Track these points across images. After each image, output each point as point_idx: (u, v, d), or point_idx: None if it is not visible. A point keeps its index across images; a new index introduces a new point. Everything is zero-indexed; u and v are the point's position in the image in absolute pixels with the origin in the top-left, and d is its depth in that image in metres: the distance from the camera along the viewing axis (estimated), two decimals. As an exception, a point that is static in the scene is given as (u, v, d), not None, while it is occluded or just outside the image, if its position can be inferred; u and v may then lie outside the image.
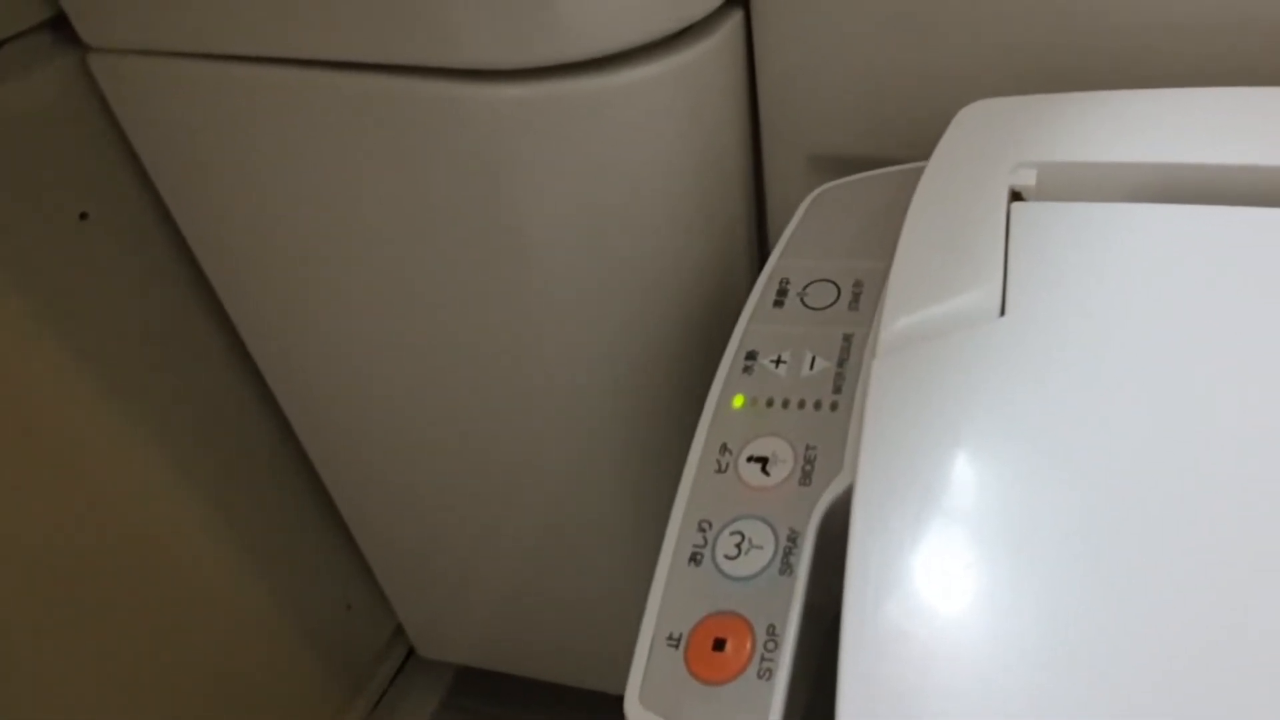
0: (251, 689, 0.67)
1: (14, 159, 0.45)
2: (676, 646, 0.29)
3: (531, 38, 0.37)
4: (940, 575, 0.24)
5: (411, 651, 0.85)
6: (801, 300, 0.38)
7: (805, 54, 0.44)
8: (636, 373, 0.49)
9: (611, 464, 0.54)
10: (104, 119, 0.48)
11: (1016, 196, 0.34)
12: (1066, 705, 0.21)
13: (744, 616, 0.29)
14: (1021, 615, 0.22)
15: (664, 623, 0.29)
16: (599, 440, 0.53)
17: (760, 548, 0.30)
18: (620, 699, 0.29)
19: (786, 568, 0.29)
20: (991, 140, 0.36)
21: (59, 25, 0.45)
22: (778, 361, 0.35)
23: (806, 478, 0.31)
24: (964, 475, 0.26)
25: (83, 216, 0.49)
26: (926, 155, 0.36)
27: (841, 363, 0.35)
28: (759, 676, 0.27)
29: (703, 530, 0.31)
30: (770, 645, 0.28)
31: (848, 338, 0.35)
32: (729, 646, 0.28)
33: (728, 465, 0.33)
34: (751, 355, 0.36)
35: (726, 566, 0.30)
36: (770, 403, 0.34)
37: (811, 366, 0.35)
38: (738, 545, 0.30)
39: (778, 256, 0.40)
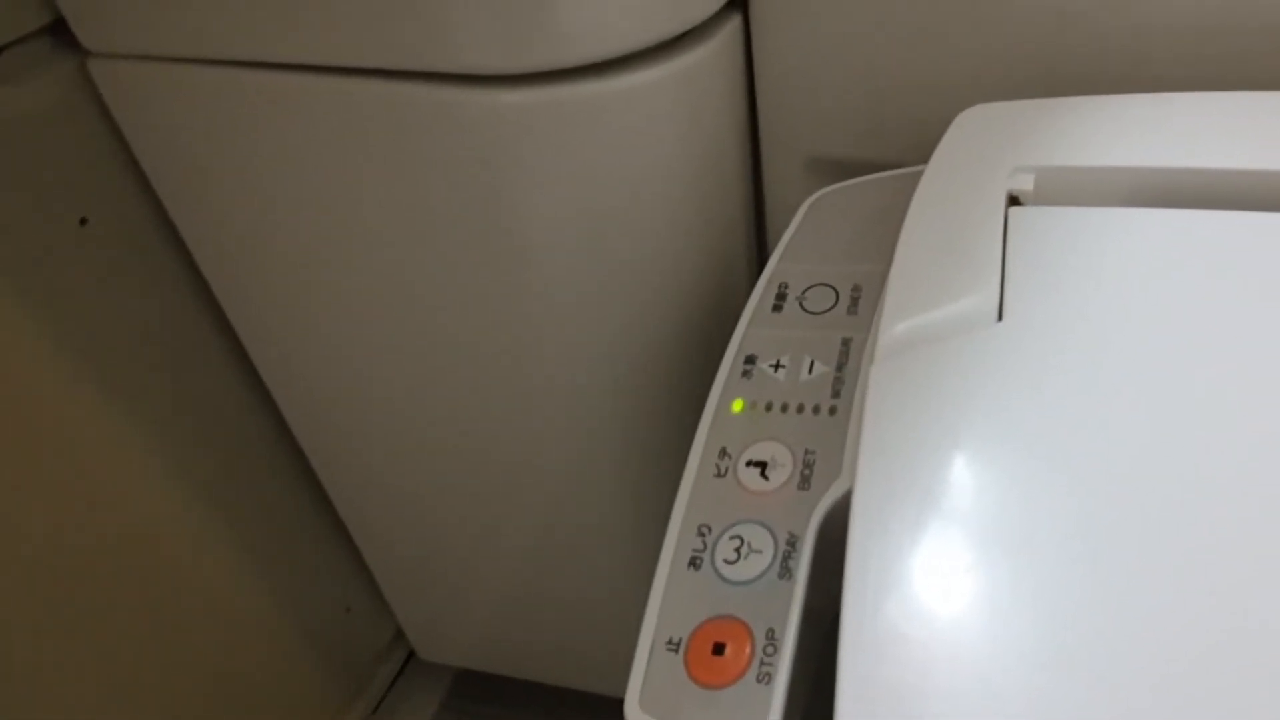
0: (251, 692, 0.67)
1: (14, 163, 0.45)
2: (676, 651, 0.29)
3: (531, 43, 0.37)
4: (939, 578, 0.24)
5: (411, 654, 0.86)
6: (800, 304, 0.38)
7: (804, 58, 0.44)
8: (636, 376, 0.50)
9: (611, 466, 0.54)
10: (104, 124, 0.48)
11: (1014, 201, 0.34)
12: (1065, 707, 0.21)
13: (743, 621, 0.29)
14: (1020, 618, 0.23)
15: (664, 627, 0.29)
16: (598, 443, 0.53)
17: (759, 552, 0.30)
18: (620, 701, 0.29)
19: (786, 572, 0.29)
20: (989, 145, 0.36)
21: (59, 30, 0.45)
22: (777, 366, 0.35)
23: (805, 482, 0.31)
24: (962, 479, 0.26)
25: (83, 221, 0.49)
26: (925, 159, 0.36)
27: (840, 367, 0.35)
28: (758, 681, 0.27)
29: (702, 534, 0.31)
30: (769, 649, 0.28)
31: (846, 342, 0.36)
32: (728, 651, 0.28)
33: (727, 469, 0.33)
34: (750, 359, 0.36)
35: (726, 571, 0.30)
36: (769, 407, 0.34)
37: (810, 371, 0.35)
38: (737, 549, 0.30)
39: (776, 260, 0.40)
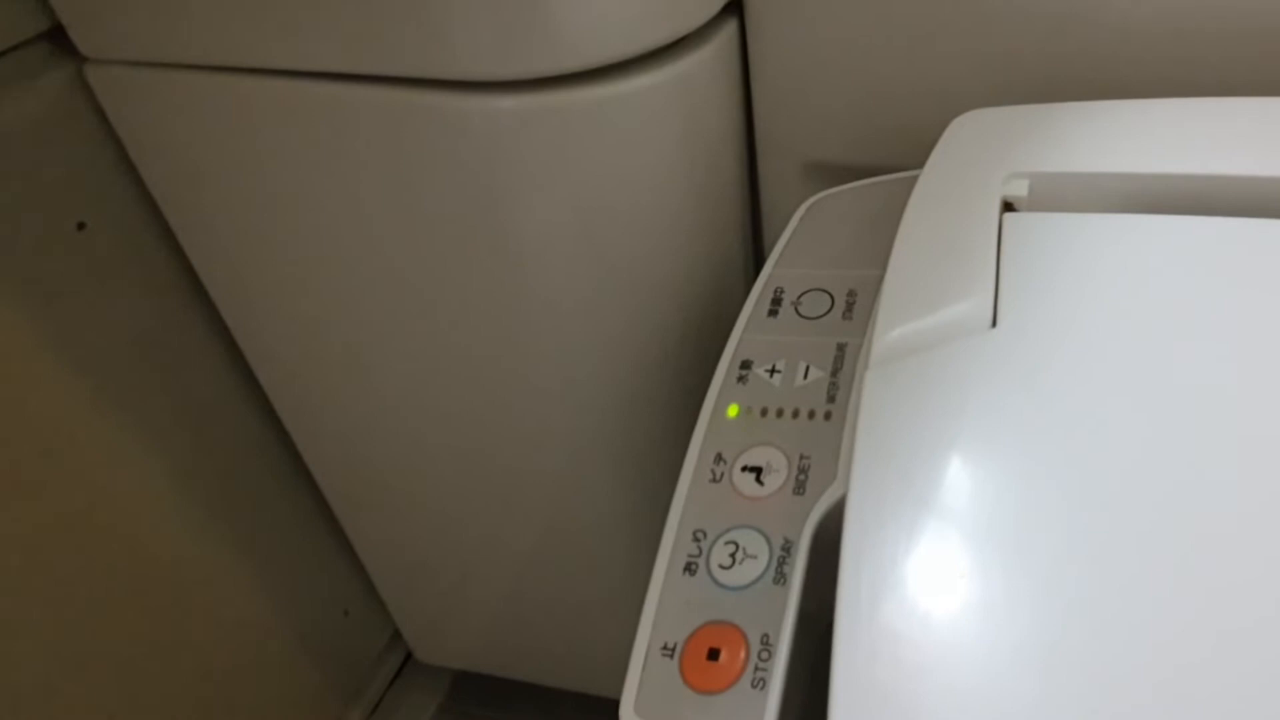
0: (249, 695, 0.67)
1: (12, 169, 0.45)
2: (671, 656, 0.29)
3: (528, 49, 0.37)
4: (932, 583, 0.24)
5: (409, 656, 0.86)
6: (796, 309, 0.38)
7: (800, 63, 0.44)
8: (632, 380, 0.50)
9: (607, 469, 0.54)
10: (101, 129, 0.48)
11: (1009, 207, 0.34)
12: (1060, 711, 0.21)
13: (738, 626, 0.29)
14: (1014, 623, 0.23)
15: (659, 632, 0.29)
16: (595, 446, 0.53)
17: (754, 557, 0.30)
18: (617, 702, 0.29)
19: (780, 577, 0.30)
20: (984, 151, 0.36)
21: (56, 36, 0.45)
22: (772, 371, 0.35)
23: (800, 487, 0.32)
24: (956, 484, 0.26)
25: (80, 226, 0.49)
26: (921, 163, 0.36)
27: (835, 372, 0.35)
28: (753, 686, 0.28)
29: (697, 540, 0.31)
30: (764, 655, 0.28)
31: (841, 347, 0.36)
32: (723, 656, 0.28)
33: (722, 475, 0.33)
34: (746, 364, 0.36)
35: (721, 576, 0.30)
36: (765, 412, 0.34)
37: (805, 376, 0.35)
38: (732, 555, 0.30)
39: (772, 265, 0.40)
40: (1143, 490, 0.24)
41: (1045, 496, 0.25)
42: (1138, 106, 0.36)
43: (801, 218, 0.42)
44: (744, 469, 0.33)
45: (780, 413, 0.34)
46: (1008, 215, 0.33)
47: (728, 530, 0.31)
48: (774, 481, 0.32)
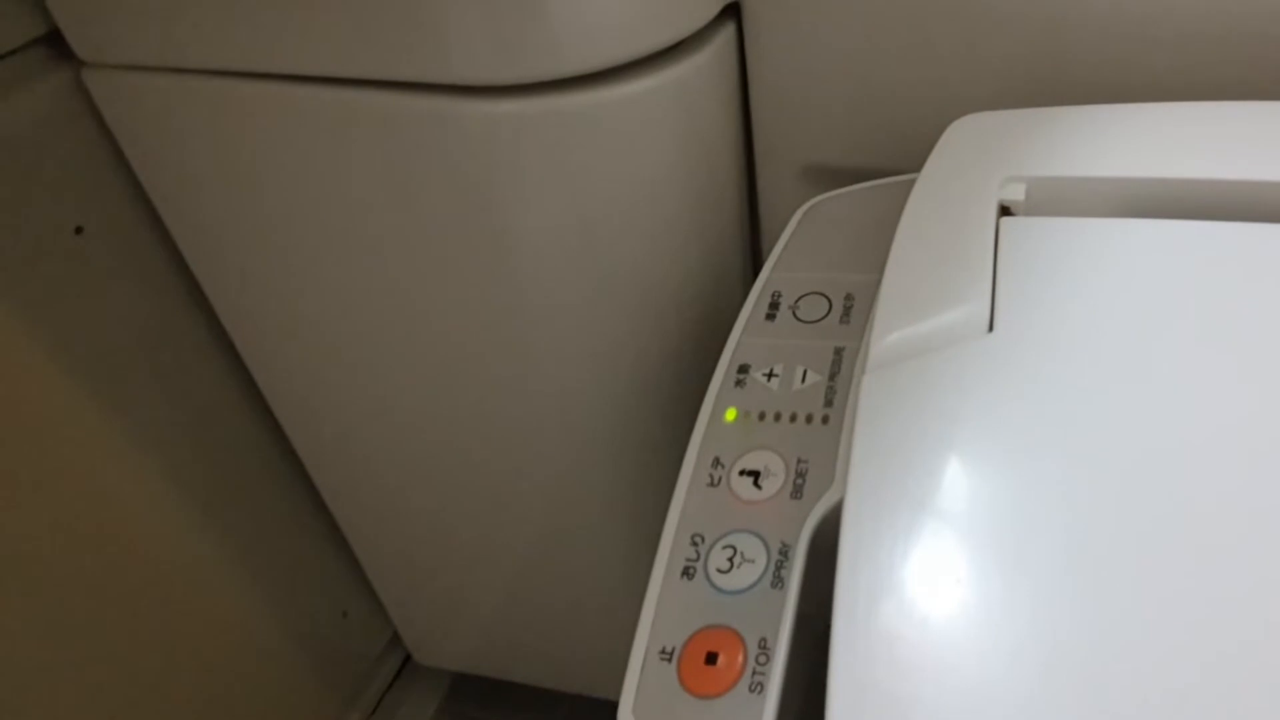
0: (247, 697, 0.67)
1: (9, 173, 0.45)
2: (669, 660, 0.29)
3: (525, 53, 0.37)
4: (929, 588, 0.24)
5: (408, 658, 0.86)
6: (793, 313, 0.38)
7: (797, 66, 0.44)
8: (630, 383, 0.50)
9: (605, 473, 0.54)
10: (99, 133, 0.48)
11: (1006, 211, 0.34)
12: (1058, 712, 0.21)
13: (736, 630, 0.29)
14: (1011, 625, 0.23)
15: (657, 636, 0.30)
16: (593, 450, 0.53)
17: (752, 561, 0.30)
18: (615, 705, 0.29)
19: (778, 581, 0.30)
20: (981, 155, 0.36)
21: (54, 41, 0.45)
22: (770, 375, 0.35)
23: (798, 491, 0.32)
24: (953, 489, 0.26)
25: (78, 230, 0.49)
26: (919, 166, 0.36)
27: (833, 376, 0.35)
28: (751, 690, 0.28)
29: (695, 544, 0.31)
30: (762, 659, 0.28)
31: (839, 351, 0.36)
32: (721, 660, 0.28)
33: (720, 479, 0.33)
34: (744, 368, 0.36)
35: (719, 580, 0.30)
36: (762, 416, 0.34)
37: (803, 380, 0.35)
38: (730, 559, 0.30)
39: (770, 269, 0.40)
40: (1139, 493, 0.24)
41: (1041, 500, 0.25)
42: (1135, 111, 0.36)
43: (799, 221, 0.42)
44: (742, 473, 0.33)
45: (778, 416, 0.34)
46: (1004, 219, 0.33)
47: (725, 534, 0.31)
48: (772, 485, 0.32)
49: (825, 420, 0.33)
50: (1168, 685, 0.21)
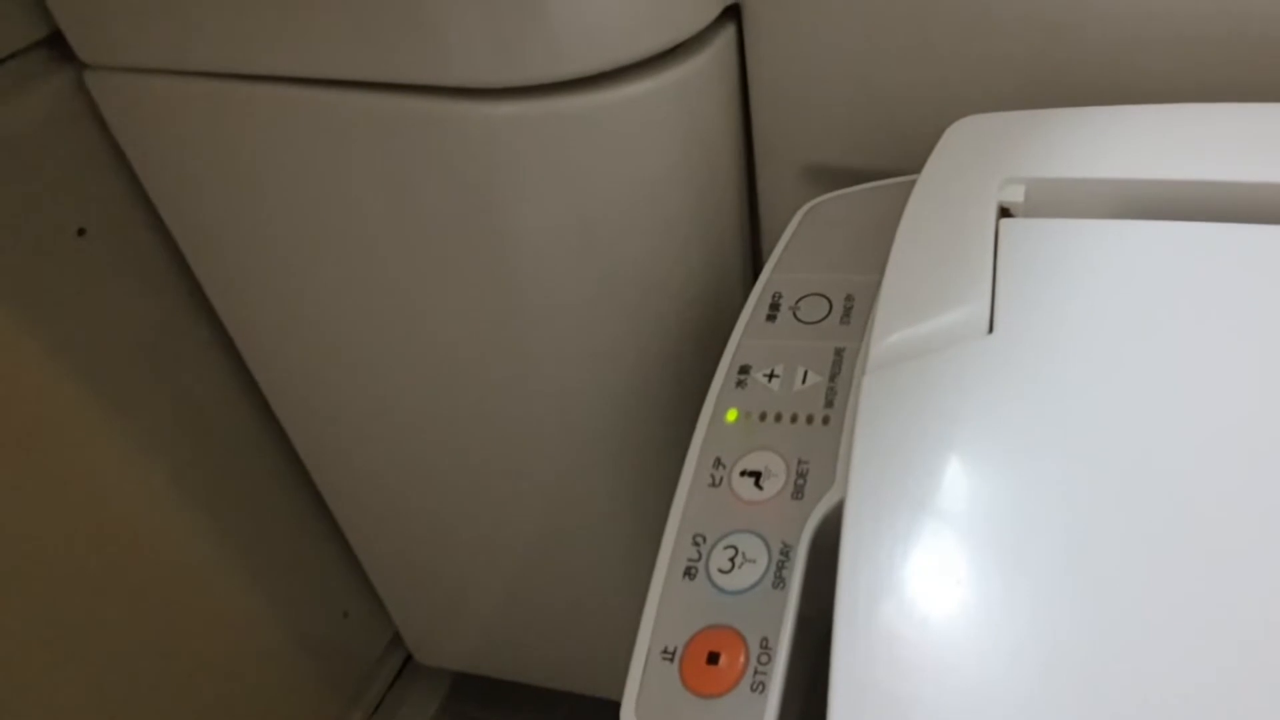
0: (248, 696, 0.67)
1: (12, 175, 0.45)
2: (671, 660, 0.29)
3: (525, 56, 0.37)
4: (930, 587, 0.24)
5: (409, 658, 0.86)
6: (794, 314, 0.38)
7: (798, 68, 0.44)
8: (631, 385, 0.50)
9: (607, 473, 0.55)
10: (101, 135, 0.48)
11: (1005, 212, 0.34)
12: (1059, 712, 0.21)
13: (737, 630, 0.29)
14: (1011, 625, 0.23)
15: (659, 636, 0.30)
16: (594, 450, 0.53)
17: (753, 561, 0.30)
18: (617, 703, 0.29)
19: (779, 581, 0.30)
20: (980, 156, 0.36)
21: (56, 43, 0.45)
22: (770, 376, 0.36)
23: (799, 491, 0.32)
24: (953, 489, 0.26)
25: (80, 232, 0.49)
26: (920, 167, 0.36)
27: (833, 377, 0.35)
28: (752, 689, 0.28)
29: (697, 544, 0.31)
30: (764, 658, 0.28)
31: (839, 352, 0.36)
32: (723, 660, 0.28)
33: (721, 479, 0.33)
34: (745, 369, 0.36)
35: (720, 580, 0.30)
36: (763, 417, 0.34)
37: (804, 381, 0.35)
38: (731, 559, 0.31)
39: (770, 270, 0.40)
40: (1139, 493, 0.25)
41: (1042, 500, 0.25)
42: (1134, 112, 0.36)
43: (799, 222, 0.42)
44: (743, 473, 0.33)
45: (779, 417, 0.34)
46: (1004, 221, 0.33)
47: (727, 534, 0.31)
48: (773, 486, 0.32)
49: (826, 421, 0.34)
50: (1168, 685, 0.21)
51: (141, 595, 0.57)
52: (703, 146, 0.44)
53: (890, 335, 0.30)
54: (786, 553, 0.30)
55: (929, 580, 0.24)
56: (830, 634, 0.24)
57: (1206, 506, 0.24)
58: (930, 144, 0.37)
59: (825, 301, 0.38)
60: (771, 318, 0.38)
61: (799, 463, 0.32)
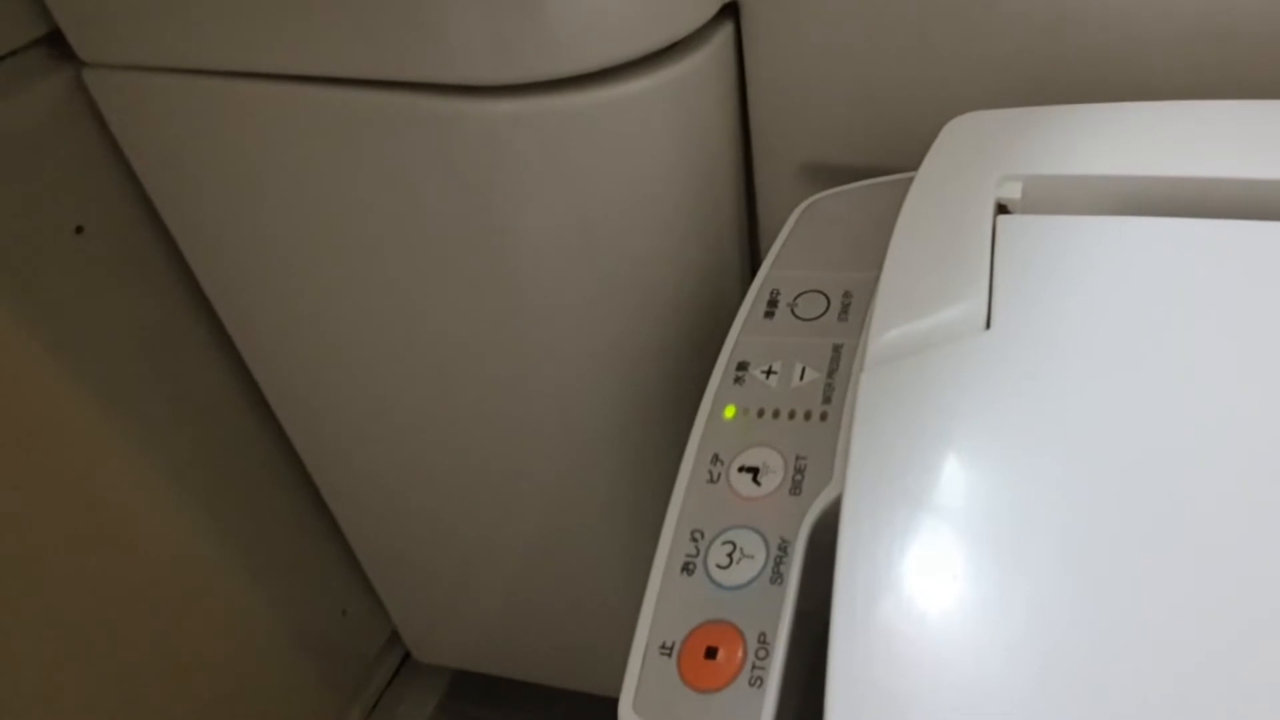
0: (247, 695, 0.67)
1: (10, 173, 0.45)
2: (669, 655, 0.29)
3: (524, 53, 0.37)
4: (928, 582, 0.24)
5: (407, 656, 0.86)
6: (792, 311, 0.38)
7: (796, 65, 0.44)
8: (630, 381, 0.50)
9: (605, 470, 0.55)
10: (99, 133, 0.48)
11: (1002, 209, 0.34)
12: (1055, 708, 0.21)
13: (735, 625, 0.29)
14: (1009, 622, 0.23)
15: (657, 631, 0.30)
16: (593, 447, 0.53)
17: (751, 557, 0.30)
18: (615, 701, 0.29)
19: (777, 577, 0.30)
20: (978, 153, 0.36)
21: (55, 41, 0.45)
22: (768, 372, 0.36)
23: (797, 487, 0.32)
24: (951, 485, 0.26)
25: (79, 229, 0.49)
26: (918, 164, 0.37)
27: (831, 373, 0.35)
28: (750, 684, 0.28)
29: (695, 540, 0.32)
30: (761, 653, 0.28)
31: (837, 348, 0.36)
32: (721, 655, 0.29)
33: (719, 475, 0.33)
34: (743, 366, 0.36)
35: (718, 576, 0.30)
36: (761, 413, 0.34)
37: (801, 377, 0.35)
38: (729, 555, 0.31)
39: (768, 267, 0.40)
40: (1137, 490, 0.25)
41: (1039, 496, 0.25)
42: (1132, 109, 0.37)
43: (797, 220, 0.42)
44: (741, 469, 0.33)
45: (777, 414, 0.34)
46: (1001, 217, 0.33)
47: (725, 530, 0.31)
48: (771, 482, 0.32)
49: (824, 417, 0.34)
50: (1165, 683, 0.21)
51: (140, 594, 0.57)
52: (701, 144, 0.44)
53: (888, 331, 0.30)
54: (784, 548, 0.30)
55: (926, 576, 0.24)
56: (828, 629, 0.24)
57: (1204, 503, 0.24)
58: (928, 141, 0.37)
59: (823, 298, 0.38)
60: (769, 314, 0.38)
61: (797, 459, 0.33)
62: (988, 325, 0.29)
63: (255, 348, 0.57)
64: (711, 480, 0.33)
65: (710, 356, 0.37)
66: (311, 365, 0.55)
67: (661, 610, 0.30)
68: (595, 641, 0.68)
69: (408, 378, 0.53)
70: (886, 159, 0.45)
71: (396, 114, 0.40)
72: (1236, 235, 0.30)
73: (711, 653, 0.29)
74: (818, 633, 0.29)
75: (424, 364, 0.51)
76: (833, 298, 0.38)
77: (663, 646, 0.29)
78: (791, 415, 0.34)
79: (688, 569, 0.31)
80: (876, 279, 0.32)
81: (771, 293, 0.39)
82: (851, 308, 0.37)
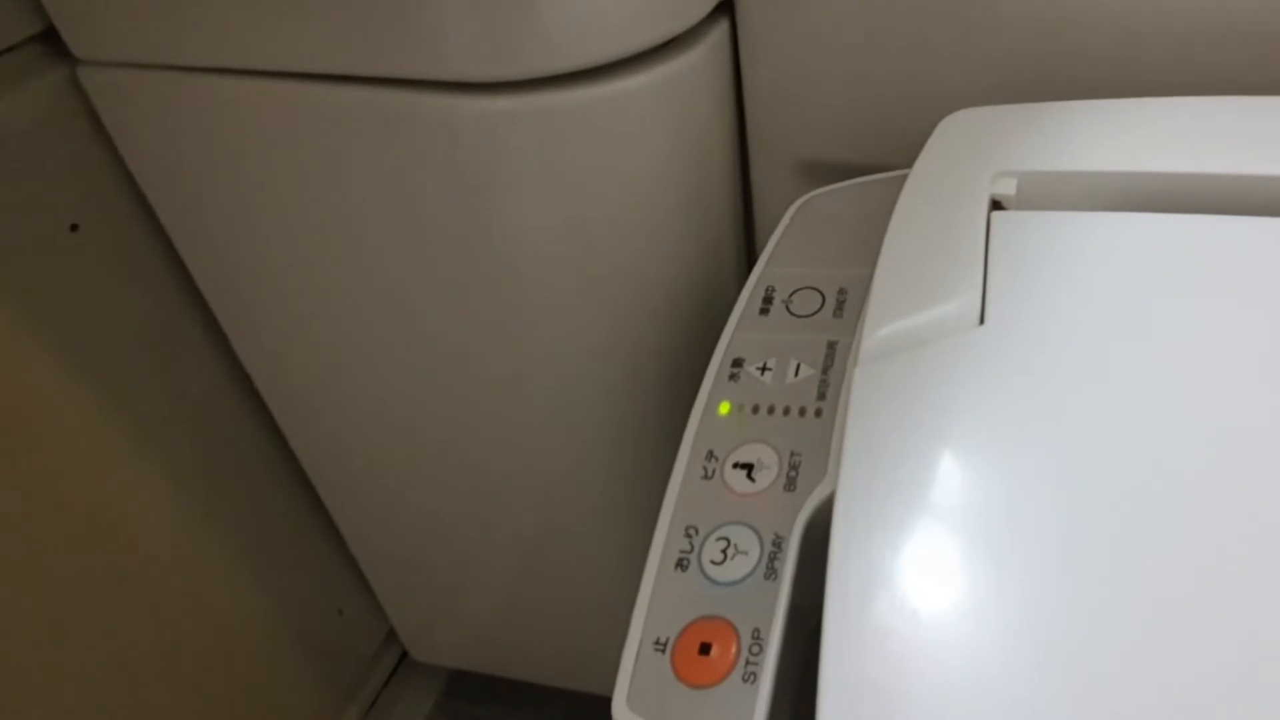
0: (244, 695, 0.67)
1: (5, 171, 0.45)
2: (663, 651, 0.29)
3: (520, 50, 0.37)
4: (921, 579, 0.24)
5: (404, 655, 0.86)
6: (787, 308, 0.38)
7: (791, 62, 0.44)
8: (625, 378, 0.50)
9: (601, 468, 0.55)
10: (95, 131, 0.48)
11: (997, 205, 0.34)
12: (1048, 707, 0.21)
13: (729, 621, 0.29)
14: (1002, 618, 0.23)
15: (651, 627, 0.30)
16: (588, 444, 0.53)
17: (745, 553, 0.30)
18: (610, 699, 0.29)
19: (771, 573, 0.30)
20: (972, 150, 0.36)
21: (50, 38, 0.45)
22: (763, 369, 0.36)
23: (791, 484, 0.32)
24: (944, 481, 0.26)
25: (74, 228, 0.49)
26: (912, 162, 0.37)
27: (826, 370, 0.35)
28: (744, 680, 0.28)
29: (689, 536, 0.32)
30: (755, 649, 0.28)
31: (832, 345, 0.36)
32: (714, 650, 0.29)
33: (714, 472, 0.33)
34: (737, 362, 0.36)
35: (712, 572, 0.30)
36: (756, 409, 0.34)
37: (796, 373, 0.35)
38: (723, 551, 0.31)
39: (763, 264, 0.40)
40: (1132, 485, 0.25)
41: (1033, 493, 0.25)
42: (1126, 105, 0.37)
43: (792, 217, 0.43)
44: (735, 466, 0.33)
45: (771, 410, 0.34)
46: (996, 214, 0.33)
47: (719, 526, 0.31)
48: (765, 478, 0.32)
49: (818, 413, 0.34)
50: (1163, 680, 0.21)
51: (136, 593, 0.57)
52: (696, 141, 0.44)
53: (882, 328, 0.30)
54: (779, 544, 0.30)
55: (919, 572, 0.24)
56: (821, 625, 0.24)
57: (1199, 498, 0.24)
58: (923, 138, 0.37)
59: (818, 295, 0.38)
60: (765, 311, 0.38)
61: (791, 455, 0.33)
62: (982, 321, 0.29)
63: (251, 346, 0.57)
64: (706, 476, 0.33)
65: (706, 353, 0.37)
66: (307, 363, 0.55)
67: (656, 606, 0.30)
68: (592, 640, 0.68)
69: (404, 375, 0.53)
70: (882, 156, 0.45)
71: (392, 111, 0.40)
72: (1230, 231, 0.30)
73: (705, 648, 0.29)
74: (812, 628, 0.29)
75: (420, 361, 0.51)
76: (828, 294, 0.38)
77: (657, 642, 0.29)
78: (786, 411, 0.34)
79: (682, 565, 0.31)
80: (871, 275, 0.32)
81: (767, 289, 0.39)
82: (846, 304, 0.38)
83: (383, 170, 0.42)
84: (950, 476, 0.26)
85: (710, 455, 0.33)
